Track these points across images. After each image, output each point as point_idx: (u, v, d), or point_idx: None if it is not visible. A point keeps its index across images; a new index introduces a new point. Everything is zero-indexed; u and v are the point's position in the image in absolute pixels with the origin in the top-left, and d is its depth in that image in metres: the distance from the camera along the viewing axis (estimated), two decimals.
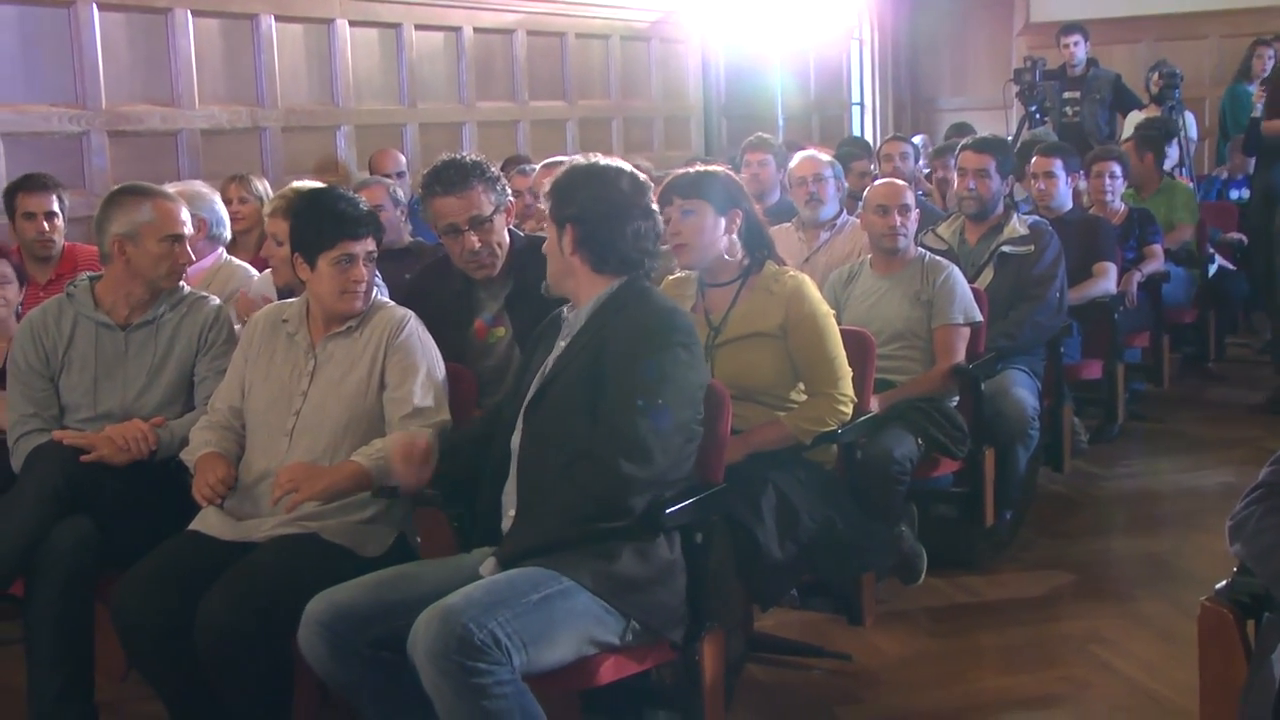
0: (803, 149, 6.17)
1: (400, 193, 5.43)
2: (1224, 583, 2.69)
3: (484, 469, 3.21)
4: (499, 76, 8.76)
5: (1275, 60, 9.24)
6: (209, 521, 3.39)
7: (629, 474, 2.90)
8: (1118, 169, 6.84)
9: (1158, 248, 6.73)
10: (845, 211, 5.74)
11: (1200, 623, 2.69)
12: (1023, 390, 4.97)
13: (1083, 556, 5.00)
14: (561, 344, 3.16)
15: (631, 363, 2.99)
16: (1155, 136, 7.69)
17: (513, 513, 3.08)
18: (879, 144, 9.02)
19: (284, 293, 4.12)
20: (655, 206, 3.22)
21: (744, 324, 3.84)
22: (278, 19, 7.28)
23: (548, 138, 8.88)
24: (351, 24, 7.71)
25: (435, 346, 3.54)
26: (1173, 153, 8.36)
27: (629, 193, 3.15)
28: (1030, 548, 5.07)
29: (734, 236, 3.87)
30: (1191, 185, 8.13)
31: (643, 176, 3.23)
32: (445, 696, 2.68)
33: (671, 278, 4.10)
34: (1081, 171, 6.61)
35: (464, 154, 3.96)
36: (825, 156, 5.77)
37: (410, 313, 3.56)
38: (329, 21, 7.59)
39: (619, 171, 3.18)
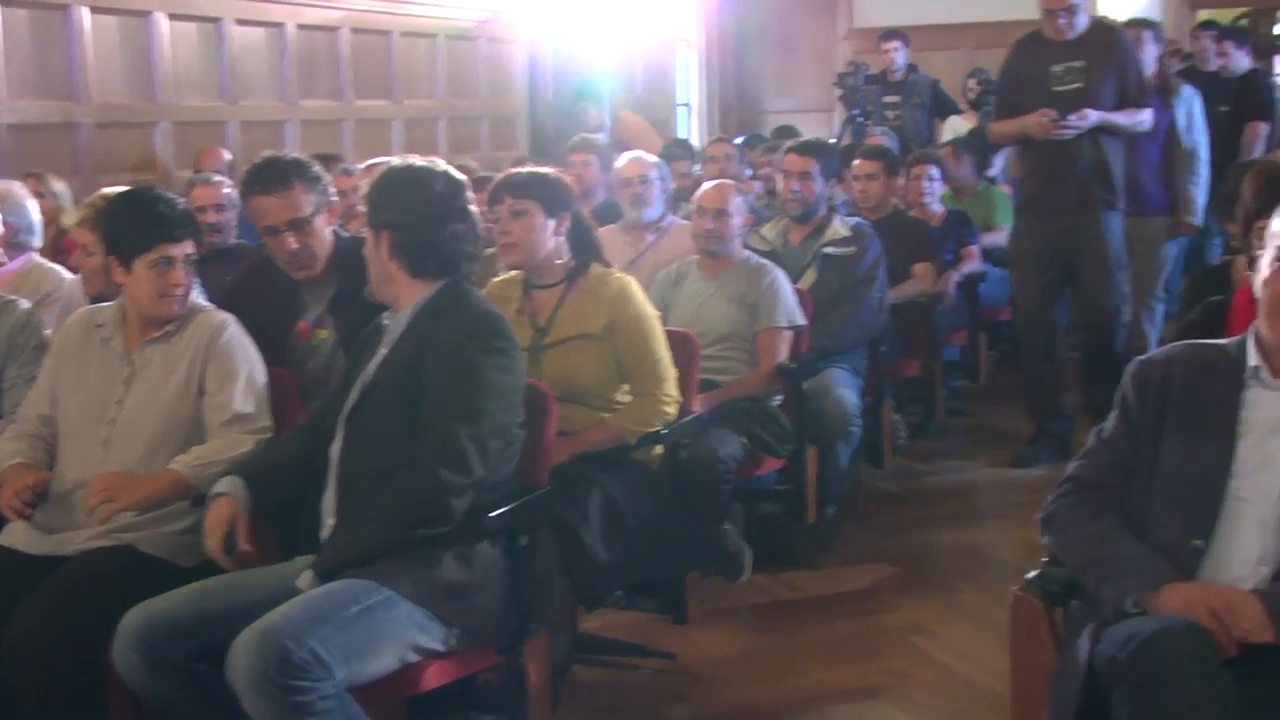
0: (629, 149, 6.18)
1: (234, 193, 5.33)
2: (1035, 573, 2.78)
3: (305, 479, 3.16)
4: (323, 74, 8.65)
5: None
6: (16, 535, 3.28)
7: (448, 481, 2.88)
8: (935, 172, 7.04)
9: (975, 248, 6.93)
10: (670, 213, 5.78)
11: (1012, 611, 2.80)
12: (844, 389, 5.05)
13: (903, 549, 5.11)
14: (383, 351, 3.13)
15: (450, 368, 2.97)
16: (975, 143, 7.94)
17: (331, 522, 3.05)
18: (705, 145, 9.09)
19: (95, 302, 4.01)
20: (473, 206, 3.19)
21: (570, 326, 3.85)
22: (92, 10, 7.10)
23: (373, 137, 8.79)
24: (170, 17, 7.55)
25: (256, 350, 3.48)
26: (999, 161, 8.61)
27: (445, 194, 3.12)
28: (852, 542, 5.17)
29: (562, 238, 3.89)
30: (1008, 189, 8.36)
31: (459, 176, 3.21)
32: (267, 718, 2.63)
33: (497, 279, 4.09)
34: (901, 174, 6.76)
35: (286, 152, 3.89)
36: (651, 158, 5.79)
37: (230, 316, 3.49)
38: (146, 14, 7.42)
39: (433, 173, 3.15)
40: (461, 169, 3.36)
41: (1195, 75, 8.61)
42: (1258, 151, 7.94)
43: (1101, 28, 5.99)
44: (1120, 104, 5.82)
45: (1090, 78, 5.76)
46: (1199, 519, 2.60)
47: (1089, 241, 5.91)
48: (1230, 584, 2.53)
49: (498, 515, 2.99)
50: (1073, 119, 5.65)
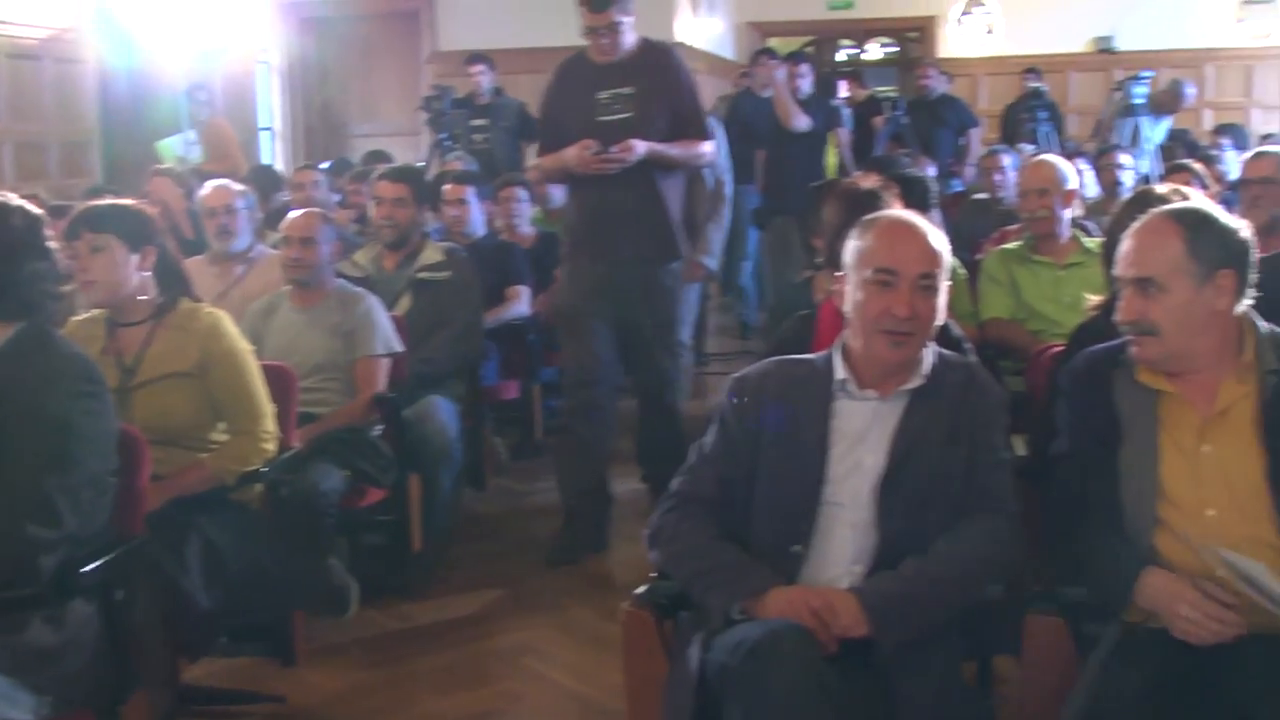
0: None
1: None
2: (644, 587, 2.87)
3: None
4: None
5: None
6: None
7: (35, 536, 2.72)
8: (523, 194, 7.13)
9: None
10: (259, 243, 5.64)
11: (623, 626, 2.87)
12: (443, 414, 5.06)
13: (511, 571, 5.14)
14: None
15: (34, 415, 2.81)
16: None
17: None
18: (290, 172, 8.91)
19: None
20: (52, 243, 3.03)
21: (159, 365, 3.72)
22: None
23: None
24: None
25: None
26: None
27: (22, 230, 2.96)
28: (460, 567, 5.16)
29: (147, 274, 3.75)
30: None
31: (37, 211, 3.04)
32: None
33: (77, 318, 3.91)
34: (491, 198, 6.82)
35: None
36: (237, 186, 5.64)
37: None
38: None
39: (9, 208, 2.98)
40: (30, 199, 3.19)
41: (754, 100, 9.14)
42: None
43: (652, 50, 5.15)
44: (676, 135, 5.08)
45: (640, 106, 5.02)
46: (797, 525, 2.75)
47: (639, 297, 5.18)
48: (828, 584, 2.69)
49: (91, 570, 2.84)
50: (615, 150, 4.90)
